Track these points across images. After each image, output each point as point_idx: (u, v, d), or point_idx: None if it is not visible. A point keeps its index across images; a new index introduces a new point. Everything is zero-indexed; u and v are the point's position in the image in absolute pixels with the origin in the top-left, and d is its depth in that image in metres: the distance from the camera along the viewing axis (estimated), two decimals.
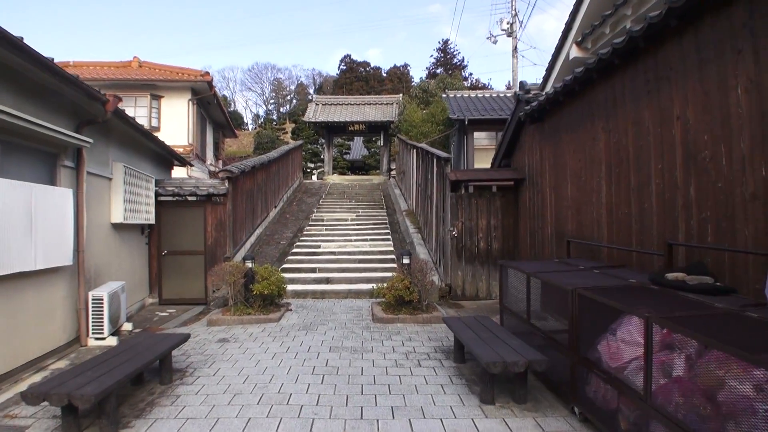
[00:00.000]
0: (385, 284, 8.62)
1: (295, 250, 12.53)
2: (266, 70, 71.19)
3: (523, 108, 8.93)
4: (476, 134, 17.32)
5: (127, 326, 7.78)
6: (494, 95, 20.42)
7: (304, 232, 14.16)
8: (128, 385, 5.02)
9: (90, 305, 6.87)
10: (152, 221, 10.01)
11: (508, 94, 20.71)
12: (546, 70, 9.51)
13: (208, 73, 19.44)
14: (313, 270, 11.11)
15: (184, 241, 10.48)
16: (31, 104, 5.91)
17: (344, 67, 64.02)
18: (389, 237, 13.61)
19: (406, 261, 8.44)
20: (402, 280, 7.99)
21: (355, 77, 62.21)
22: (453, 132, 18.25)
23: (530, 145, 9.04)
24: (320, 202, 18.15)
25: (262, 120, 58.77)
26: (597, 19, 7.72)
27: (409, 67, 65.84)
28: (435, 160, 11.18)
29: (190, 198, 10.42)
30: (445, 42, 59.14)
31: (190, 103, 19.76)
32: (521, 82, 9.27)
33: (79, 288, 6.81)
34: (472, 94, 20.51)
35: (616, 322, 4.25)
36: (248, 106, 66.53)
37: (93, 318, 6.87)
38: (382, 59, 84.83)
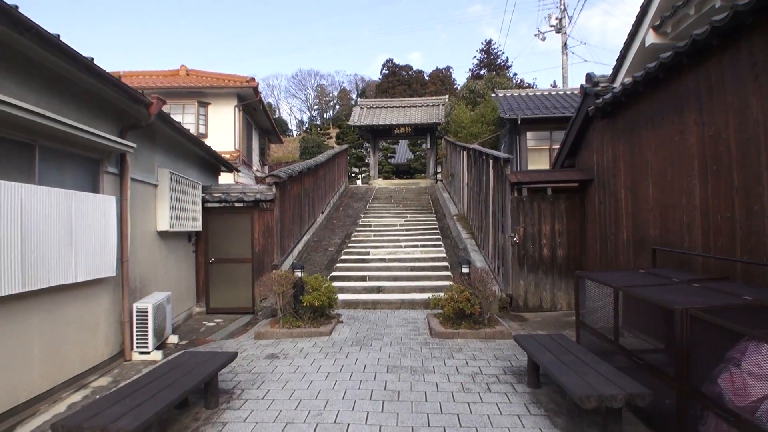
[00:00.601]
0: (441, 294, 7.99)
1: (343, 257, 12.04)
2: (309, 77, 71.68)
3: (591, 102, 8.14)
4: (529, 134, 16.44)
5: (173, 338, 7.42)
6: (545, 93, 19.45)
7: (352, 238, 13.67)
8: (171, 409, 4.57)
9: (134, 318, 6.52)
10: (199, 228, 9.70)
11: (560, 92, 19.75)
12: (617, 60, 8.67)
13: (253, 79, 19.31)
14: (363, 278, 10.57)
15: (232, 248, 10.14)
16: (73, 108, 5.59)
17: (386, 71, 63.76)
18: (440, 243, 12.96)
19: (465, 270, 7.78)
20: (462, 291, 7.33)
21: (398, 81, 61.83)
22: (503, 132, 17.43)
23: (599, 142, 8.23)
24: (367, 207, 17.66)
25: (306, 126, 59.09)
26: (678, 0, 6.89)
27: (451, 70, 65.01)
28: (491, 162, 10.47)
29: (237, 204, 10.07)
30: (489, 43, 57.93)
31: (236, 109, 19.68)
32: (588, 74, 8.47)
33: (123, 300, 6.47)
34: (522, 92, 19.61)
35: (741, 351, 3.50)
36: (292, 112, 67.24)
37: (137, 331, 6.52)
38: (423, 62, 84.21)
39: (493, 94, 18.60)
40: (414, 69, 64.06)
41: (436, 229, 14.45)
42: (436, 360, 6.13)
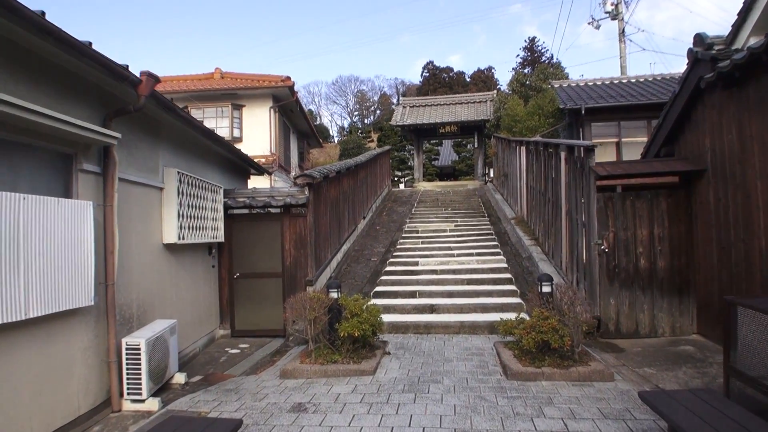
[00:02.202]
0: (511, 316, 6.22)
1: (388, 268, 10.37)
2: (349, 83, 70.63)
3: (703, 70, 6.22)
4: (594, 126, 14.41)
5: (179, 378, 5.89)
6: (607, 82, 17.34)
7: (398, 247, 11.99)
8: None
9: (124, 356, 5.02)
10: (221, 239, 8.24)
11: (624, 81, 17.58)
12: (738, 15, 6.71)
13: (289, 78, 17.95)
14: (412, 294, 8.86)
15: (260, 261, 8.63)
16: (41, 90, 4.18)
17: (427, 74, 62.03)
18: (499, 250, 11.12)
19: (546, 289, 6.00)
20: (546, 317, 5.52)
21: (439, 83, 59.96)
22: (563, 126, 15.43)
23: (715, 121, 6.28)
24: (412, 212, 15.95)
25: (347, 131, 58.02)
26: None
27: (493, 70, 62.60)
28: (563, 154, 8.61)
29: (265, 210, 8.57)
30: (532, 40, 55.20)
31: (272, 110, 18.38)
32: (699, 35, 6.53)
33: (108, 334, 4.98)
34: (581, 82, 17.54)
35: None
36: (333, 119, 66.43)
37: (128, 373, 5.01)
38: (464, 64, 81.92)
39: (551, 84, 16.63)
40: (455, 71, 62.11)
41: (491, 234, 12.61)
42: (521, 420, 4.35)
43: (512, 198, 14.77)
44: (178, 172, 6.61)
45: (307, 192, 8.42)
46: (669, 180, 6.97)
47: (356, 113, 68.59)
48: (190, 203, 7.06)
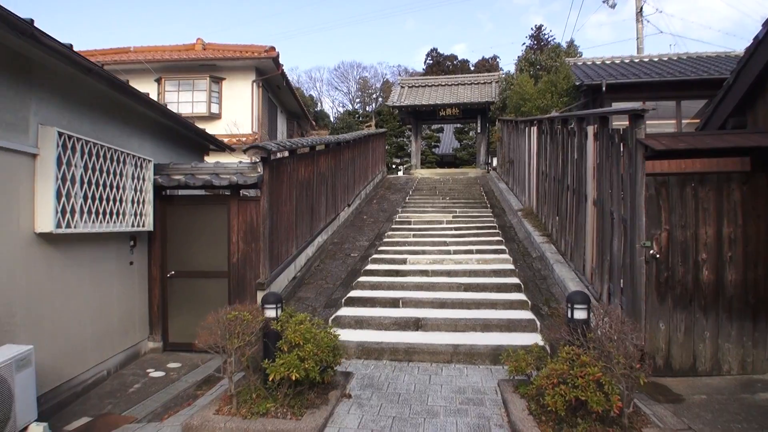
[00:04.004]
0: (525, 341, 4.27)
1: (369, 266, 8.38)
2: (352, 69, 68.13)
3: None
4: (616, 107, 12.34)
5: (37, 430, 3.94)
6: (626, 61, 15.28)
7: (384, 240, 9.99)
8: None
9: None
10: (148, 227, 6.27)
11: (645, 59, 15.47)
12: None
13: (273, 48, 15.84)
14: (394, 303, 6.87)
15: (201, 256, 6.68)
16: None
17: (430, 62, 59.62)
18: (503, 247, 9.12)
19: (580, 315, 4.00)
20: (584, 364, 3.51)
21: (442, 71, 57.44)
22: (579, 106, 13.35)
23: None
24: (406, 200, 13.93)
25: (341, 114, 55.80)
26: None
27: (498, 59, 59.97)
28: (594, 128, 6.59)
29: (211, 192, 6.61)
30: (539, 28, 52.60)
31: (255, 85, 16.30)
32: None
33: None
34: (597, 60, 15.45)
35: None
36: (335, 105, 64.04)
37: None
38: (468, 53, 79.03)
39: (566, 60, 14.54)
40: (459, 59, 59.76)
41: (494, 227, 10.60)
42: None
43: (519, 187, 12.74)
44: (61, 133, 4.61)
45: (260, 169, 6.41)
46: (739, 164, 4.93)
47: (358, 100, 66.35)
48: (90, 179, 5.07)
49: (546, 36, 54.15)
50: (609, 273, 5.75)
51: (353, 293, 7.22)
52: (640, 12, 21.20)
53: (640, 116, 4.96)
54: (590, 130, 6.69)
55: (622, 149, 5.43)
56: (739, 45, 29.76)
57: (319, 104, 61.51)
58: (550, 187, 9.06)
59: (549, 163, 9.27)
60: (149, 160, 6.34)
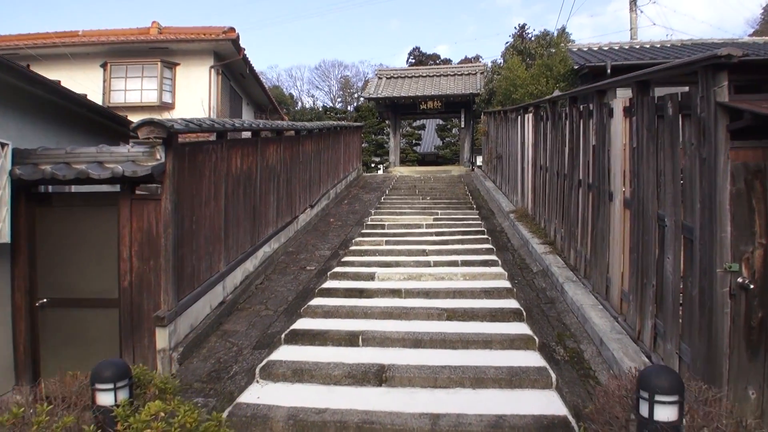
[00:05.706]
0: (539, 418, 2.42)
1: (327, 284, 6.47)
2: (333, 68, 66.27)
3: None
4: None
5: None
6: (626, 47, 13.66)
7: (351, 249, 8.09)
8: None
9: None
10: (4, 238, 4.32)
11: (647, 45, 13.83)
12: None
13: (233, 30, 13.85)
14: (352, 339, 4.95)
15: (82, 277, 4.72)
16: None
17: (413, 60, 58.01)
18: (495, 258, 7.29)
19: (667, 415, 2.15)
20: None
21: None
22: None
23: None
24: (381, 200, 12.05)
25: (314, 107, 53.75)
26: None
27: (481, 59, 58.71)
28: (624, 101, 4.82)
29: (97, 189, 4.66)
30: (522, 27, 51.58)
31: (213, 71, 14.30)
32: None
33: None
34: (594, 46, 13.76)
35: None
36: (315, 106, 62.05)
37: None
38: (452, 53, 77.32)
39: (562, 45, 12.80)
40: (442, 58, 58.24)
41: (482, 232, 8.75)
42: None
43: (509, 185, 10.97)
44: None
45: (161, 155, 4.46)
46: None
47: (339, 99, 64.45)
48: None
49: (530, 35, 52.74)
50: (656, 304, 3.92)
51: (299, 324, 5.30)
52: (634, 1, 19.68)
53: (722, 67, 3.14)
54: (617, 104, 4.90)
55: (682, 123, 3.62)
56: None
57: (299, 103, 59.46)
58: (552, 183, 7.28)
59: (550, 154, 7.50)
60: (5, 143, 4.39)
